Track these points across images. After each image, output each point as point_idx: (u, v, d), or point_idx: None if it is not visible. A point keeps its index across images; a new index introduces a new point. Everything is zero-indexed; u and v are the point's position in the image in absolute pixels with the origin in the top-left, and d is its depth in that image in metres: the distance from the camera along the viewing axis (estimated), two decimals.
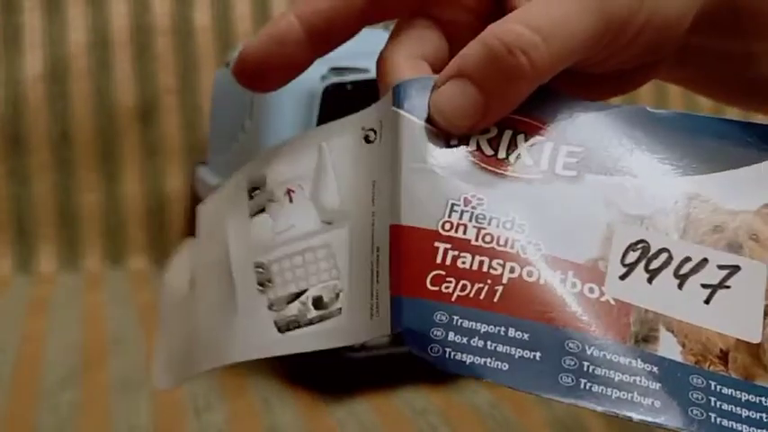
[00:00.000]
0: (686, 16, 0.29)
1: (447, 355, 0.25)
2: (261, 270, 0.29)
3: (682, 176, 0.27)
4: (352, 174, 0.29)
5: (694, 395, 0.25)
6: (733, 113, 0.93)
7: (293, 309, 0.28)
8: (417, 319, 0.25)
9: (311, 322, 0.28)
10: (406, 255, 0.26)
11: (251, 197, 0.30)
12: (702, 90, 0.34)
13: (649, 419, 0.24)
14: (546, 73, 0.26)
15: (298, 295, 0.28)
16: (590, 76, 0.30)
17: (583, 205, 0.27)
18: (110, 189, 0.77)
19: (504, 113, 0.27)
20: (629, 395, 0.24)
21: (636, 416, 0.24)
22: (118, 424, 0.44)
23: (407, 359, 0.49)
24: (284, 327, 0.28)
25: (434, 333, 0.25)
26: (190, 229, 0.78)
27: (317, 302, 0.28)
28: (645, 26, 0.28)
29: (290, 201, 0.29)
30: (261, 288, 0.29)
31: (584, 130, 0.28)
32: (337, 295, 0.28)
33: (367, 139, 0.29)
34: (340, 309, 0.27)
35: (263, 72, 0.29)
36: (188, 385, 0.49)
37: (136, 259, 0.77)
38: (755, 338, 0.25)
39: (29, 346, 0.55)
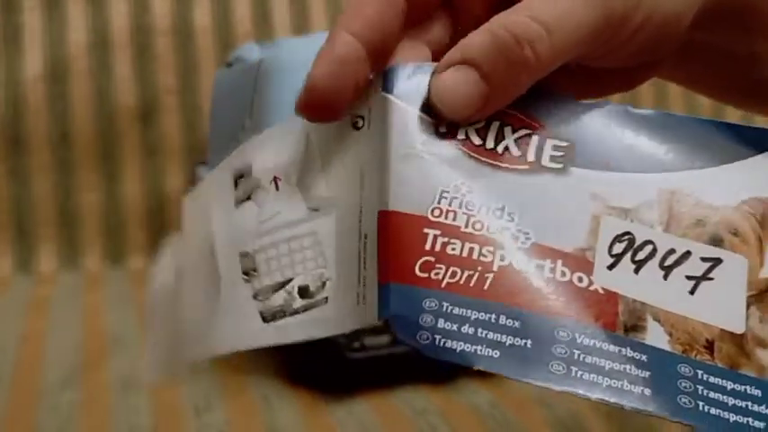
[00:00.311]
0: (686, 15, 0.29)
1: (437, 343, 0.24)
2: (246, 259, 0.28)
3: (664, 172, 0.27)
4: (339, 160, 0.28)
5: (682, 384, 0.25)
6: (735, 114, 0.94)
7: (279, 298, 0.27)
8: (406, 305, 0.25)
9: (297, 312, 0.27)
10: (394, 241, 0.26)
11: (236, 186, 0.30)
12: (704, 90, 0.34)
13: (640, 407, 0.24)
14: (548, 65, 0.27)
15: (283, 284, 0.27)
16: (591, 74, 0.31)
17: (569, 197, 0.27)
18: (110, 189, 0.77)
19: (504, 104, 0.27)
20: (620, 383, 0.24)
21: (627, 404, 0.24)
22: (118, 424, 0.44)
23: (407, 359, 0.49)
24: (270, 317, 0.27)
25: (424, 320, 0.25)
26: None
27: (303, 291, 0.27)
28: (644, 24, 0.28)
29: (277, 188, 0.29)
30: (246, 277, 0.28)
31: (570, 125, 0.28)
32: (324, 284, 0.27)
33: (355, 126, 0.28)
34: (326, 298, 0.27)
35: (334, 100, 0.27)
36: (188, 385, 0.49)
37: (136, 259, 0.77)
38: (739, 329, 0.26)
39: (29, 346, 0.55)
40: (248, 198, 0.29)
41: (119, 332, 0.58)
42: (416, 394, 0.48)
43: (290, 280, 0.27)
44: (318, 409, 0.47)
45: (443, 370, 0.51)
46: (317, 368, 0.50)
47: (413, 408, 0.47)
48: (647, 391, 0.24)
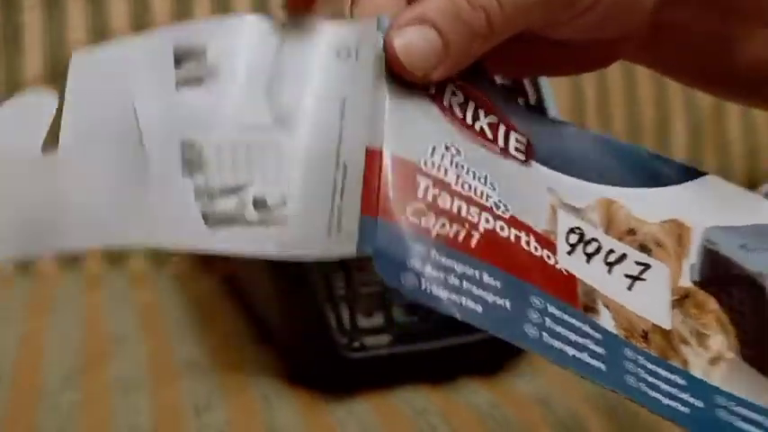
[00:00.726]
0: None
1: (422, 287, 0.25)
2: (190, 149, 0.25)
3: (605, 185, 0.31)
4: (314, 82, 0.28)
5: (628, 365, 0.27)
6: (734, 113, 0.94)
7: (229, 203, 0.25)
8: (394, 244, 0.25)
9: (249, 223, 0.25)
10: (386, 180, 0.26)
11: (179, 65, 0.27)
12: (673, 73, 0.34)
13: (599, 381, 0.26)
14: (502, 32, 0.28)
15: (236, 190, 0.25)
16: (560, 50, 0.31)
17: (532, 185, 0.29)
18: None
19: (459, 67, 0.28)
20: (583, 355, 0.26)
21: (590, 376, 0.26)
22: (118, 424, 0.44)
23: (407, 359, 0.49)
24: (214, 220, 0.25)
25: (411, 263, 0.25)
26: None
27: (259, 203, 0.26)
28: None
29: (239, 83, 0.27)
30: (188, 169, 0.25)
31: (527, 126, 0.30)
32: (284, 202, 0.26)
33: (338, 54, 0.28)
34: (286, 217, 0.26)
35: None
36: (188, 384, 0.49)
37: (136, 259, 0.77)
38: (667, 326, 0.29)
39: (29, 346, 0.55)
40: (197, 83, 0.27)
41: (119, 332, 0.58)
42: (416, 394, 0.48)
43: (245, 187, 0.26)
44: (318, 409, 0.47)
45: (443, 370, 0.51)
46: (317, 368, 0.50)
47: (413, 408, 0.47)
48: (603, 367, 0.26)
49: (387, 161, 0.26)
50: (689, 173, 0.32)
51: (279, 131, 0.27)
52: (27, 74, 0.76)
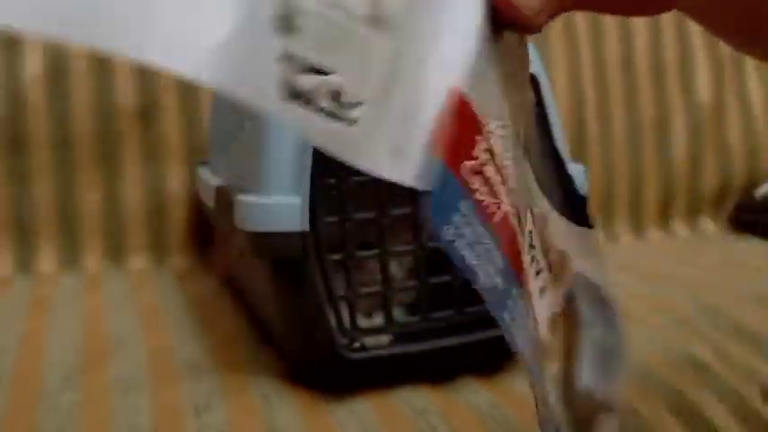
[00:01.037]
0: None
1: (457, 246, 0.25)
2: (286, 6, 0.23)
3: (547, 200, 0.32)
4: None
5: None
6: (734, 120, 0.94)
7: (308, 82, 0.23)
8: (446, 192, 0.25)
9: (320, 110, 0.23)
10: (457, 126, 0.25)
11: None
12: (723, 32, 0.33)
13: (532, 378, 0.28)
14: None
15: (319, 71, 0.23)
16: None
17: (525, 181, 0.30)
18: (110, 189, 0.77)
19: (552, 16, 0.28)
20: (529, 351, 0.28)
21: (528, 365, 0.27)
22: (118, 424, 0.44)
23: (407, 359, 0.49)
24: (287, 93, 0.23)
25: (456, 218, 0.25)
26: (190, 229, 0.78)
27: (335, 94, 0.24)
28: None
29: None
30: (278, 27, 0.22)
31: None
32: (358, 103, 0.24)
33: None
34: (356, 120, 0.24)
35: None
36: (188, 384, 0.49)
37: (136, 259, 0.77)
38: (545, 339, 0.31)
39: (29, 346, 0.55)
40: None
41: (119, 333, 0.58)
42: (416, 394, 0.48)
43: (326, 72, 0.23)
44: (318, 409, 0.47)
45: (443, 370, 0.51)
46: (317, 368, 0.50)
47: (413, 408, 0.47)
48: (536, 363, 0.28)
49: (462, 106, 0.25)
50: (586, 220, 0.34)
51: (372, 31, 0.24)
52: (27, 74, 0.76)
